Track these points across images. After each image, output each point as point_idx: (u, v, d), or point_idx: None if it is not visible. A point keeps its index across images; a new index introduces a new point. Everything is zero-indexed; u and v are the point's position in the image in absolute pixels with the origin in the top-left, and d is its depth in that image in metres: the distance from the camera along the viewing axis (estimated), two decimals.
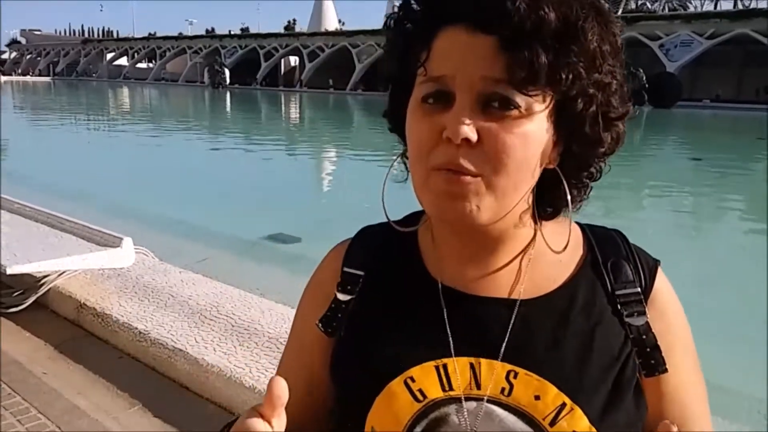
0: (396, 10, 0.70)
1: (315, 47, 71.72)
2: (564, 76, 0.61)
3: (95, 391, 3.06)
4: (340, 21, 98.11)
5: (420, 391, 0.67)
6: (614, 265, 0.73)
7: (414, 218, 0.81)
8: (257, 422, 0.56)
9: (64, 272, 4.01)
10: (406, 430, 0.66)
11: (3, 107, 38.23)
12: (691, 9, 67.51)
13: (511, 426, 0.65)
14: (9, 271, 3.52)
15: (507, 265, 0.73)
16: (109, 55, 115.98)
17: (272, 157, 16.18)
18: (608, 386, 0.67)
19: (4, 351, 3.46)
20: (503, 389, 0.67)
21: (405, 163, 0.75)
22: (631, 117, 0.69)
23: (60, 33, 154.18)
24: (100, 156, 16.30)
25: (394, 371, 0.69)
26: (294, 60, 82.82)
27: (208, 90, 66.15)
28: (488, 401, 0.66)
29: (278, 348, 3.04)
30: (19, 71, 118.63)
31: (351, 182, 12.16)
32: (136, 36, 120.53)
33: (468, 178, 0.62)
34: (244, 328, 3.28)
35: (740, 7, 63.12)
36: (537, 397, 0.66)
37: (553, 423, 0.64)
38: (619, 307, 0.71)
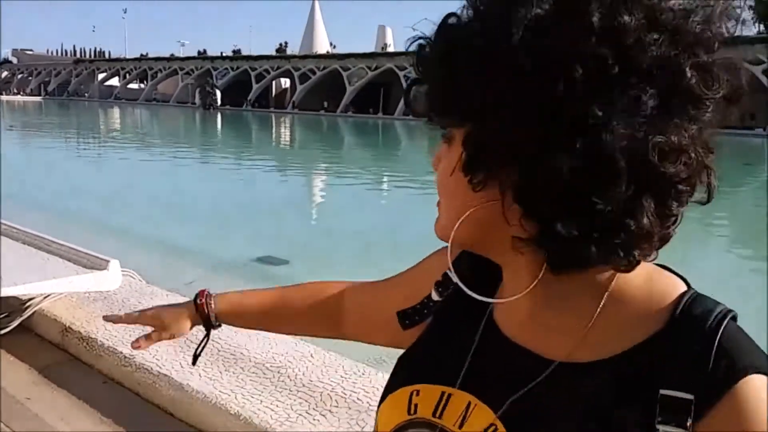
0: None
1: (306, 69, 72.19)
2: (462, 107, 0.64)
3: (79, 417, 3.01)
4: (331, 44, 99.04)
5: (416, 405, 0.70)
6: (676, 359, 0.58)
7: None
8: None
9: (49, 295, 3.97)
10: None
11: None
12: None
13: None
14: None
15: (571, 314, 0.64)
16: (101, 76, 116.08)
17: (262, 179, 16.21)
18: None
19: None
20: None
21: None
22: None
23: (52, 53, 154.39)
24: (89, 176, 16.26)
25: (411, 380, 0.73)
26: (285, 82, 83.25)
27: (199, 111, 66.26)
28: None
29: (264, 374, 3.02)
30: (10, 91, 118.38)
31: (340, 204, 12.19)
32: (128, 57, 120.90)
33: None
34: (230, 353, 3.25)
35: None
36: None
37: None
38: (657, 409, 0.57)
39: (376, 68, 63.89)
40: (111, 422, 2.95)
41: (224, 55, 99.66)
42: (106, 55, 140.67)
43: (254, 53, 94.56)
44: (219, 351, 3.28)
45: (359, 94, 63.64)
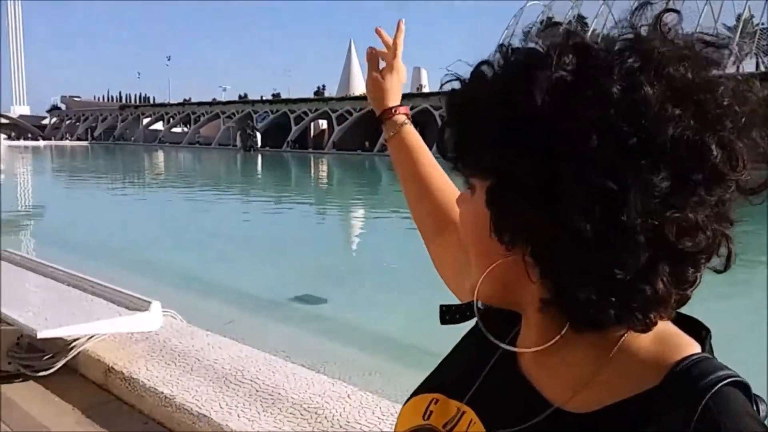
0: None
1: (343, 111, 73.51)
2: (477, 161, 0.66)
3: None
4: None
5: (430, 413, 0.72)
6: (660, 417, 0.57)
7: None
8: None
9: (93, 336, 4.06)
10: None
11: (41, 171, 39.65)
12: None
13: None
14: (40, 335, 3.58)
15: (579, 365, 0.64)
16: (146, 120, 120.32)
17: (300, 218, 16.39)
18: None
19: (33, 415, 3.48)
20: None
21: None
22: None
23: (99, 99, 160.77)
24: (134, 218, 16.69)
25: (435, 387, 0.75)
26: (323, 123, 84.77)
27: (240, 153, 67.84)
28: None
29: (302, 414, 3.01)
30: (59, 136, 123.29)
31: (378, 242, 12.21)
32: (171, 102, 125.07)
33: None
34: (268, 393, 3.26)
35: None
36: None
37: None
38: None
39: (411, 108, 64.27)
40: None
41: (264, 98, 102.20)
42: (151, 101, 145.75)
43: (293, 96, 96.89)
44: (257, 391, 3.30)
45: None
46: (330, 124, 77.97)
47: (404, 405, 0.77)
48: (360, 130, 69.29)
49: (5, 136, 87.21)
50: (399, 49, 1.13)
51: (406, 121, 1.12)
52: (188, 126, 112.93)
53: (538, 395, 0.65)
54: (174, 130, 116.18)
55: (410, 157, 1.09)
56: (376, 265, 8.85)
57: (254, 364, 3.67)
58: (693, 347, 0.62)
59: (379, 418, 2.94)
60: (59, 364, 4.01)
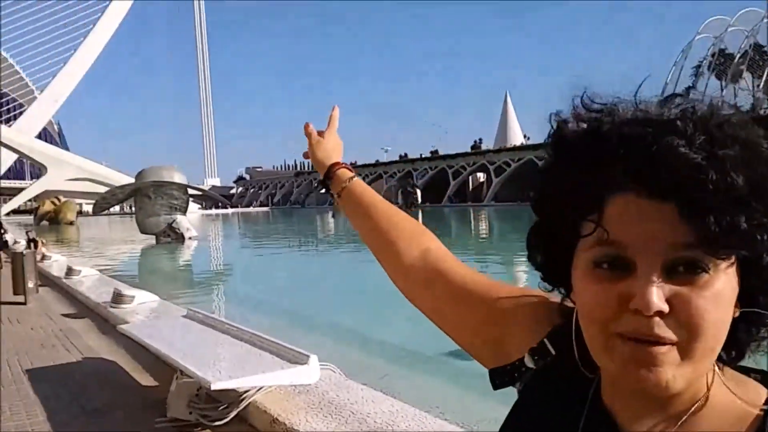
0: (553, 154, 0.70)
1: (501, 162, 73.21)
2: (760, 237, 0.59)
3: None
4: (525, 136, 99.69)
5: None
6: None
7: None
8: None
9: (261, 388, 4.38)
10: None
11: (229, 235, 43.85)
12: None
13: None
14: (214, 387, 3.94)
15: (665, 409, 0.66)
16: (317, 185, 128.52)
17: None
18: None
19: None
20: None
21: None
22: None
23: (277, 168, 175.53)
24: (301, 275, 17.78)
25: None
26: (481, 176, 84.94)
27: (402, 210, 69.85)
28: None
29: None
30: (244, 203, 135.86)
31: None
32: None
33: (662, 348, 0.59)
34: None
35: None
36: None
37: None
38: None
39: None
40: None
41: (423, 156, 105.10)
42: None
43: (451, 152, 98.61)
44: None
45: None
46: (488, 176, 77.98)
47: None
48: (519, 181, 68.38)
49: (199, 206, 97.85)
50: (334, 123, 1.31)
51: (353, 175, 1.18)
52: None
53: None
54: None
55: (364, 209, 1.12)
56: None
57: (404, 419, 3.72)
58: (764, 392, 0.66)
59: None
60: (232, 414, 4.36)
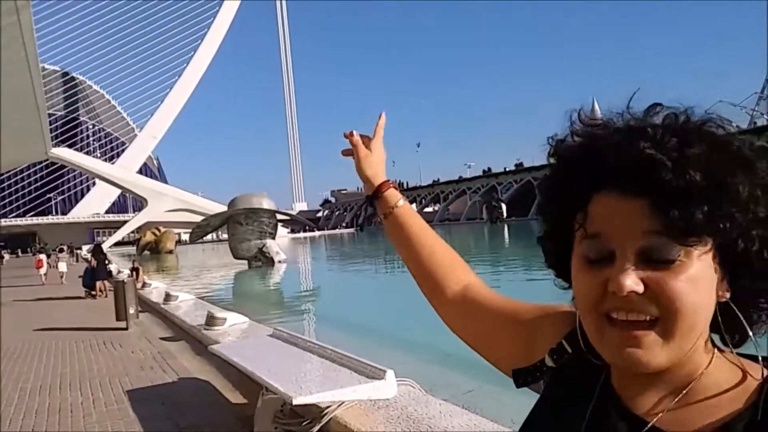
0: (551, 167, 0.81)
1: None
2: (721, 226, 0.66)
3: None
4: None
5: None
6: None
7: None
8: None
9: (342, 403, 4.45)
10: None
11: (316, 257, 44.85)
12: None
13: None
14: (295, 402, 4.04)
15: (665, 387, 0.73)
16: None
17: (547, 286, 15.95)
18: None
19: None
20: None
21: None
22: None
23: (361, 189, 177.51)
24: (387, 293, 17.87)
25: None
26: None
27: (486, 225, 69.16)
28: None
29: None
30: (330, 226, 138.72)
31: None
32: (422, 184, 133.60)
33: (644, 331, 0.67)
34: None
35: None
36: None
37: None
38: None
39: None
40: None
41: (507, 170, 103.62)
42: (405, 185, 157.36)
43: (536, 164, 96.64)
44: None
45: None
46: None
47: None
48: None
49: (288, 230, 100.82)
50: (380, 133, 1.26)
51: (400, 198, 1.20)
52: (438, 204, 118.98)
53: (633, 416, 0.73)
54: (426, 209, 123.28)
55: (407, 236, 1.16)
56: None
57: None
58: (762, 369, 0.72)
59: None
60: (315, 429, 4.45)
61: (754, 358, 0.73)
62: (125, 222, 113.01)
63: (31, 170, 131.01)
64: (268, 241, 32.61)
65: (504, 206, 78.44)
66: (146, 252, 67.46)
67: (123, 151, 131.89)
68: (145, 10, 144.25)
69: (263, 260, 31.95)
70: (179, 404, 6.04)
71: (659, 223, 0.66)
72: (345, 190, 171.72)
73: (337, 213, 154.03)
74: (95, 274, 19.24)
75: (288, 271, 30.00)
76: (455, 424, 3.86)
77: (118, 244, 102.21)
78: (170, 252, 66.98)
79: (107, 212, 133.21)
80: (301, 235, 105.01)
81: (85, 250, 55.15)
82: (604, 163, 0.70)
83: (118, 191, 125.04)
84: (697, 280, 0.67)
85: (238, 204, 34.03)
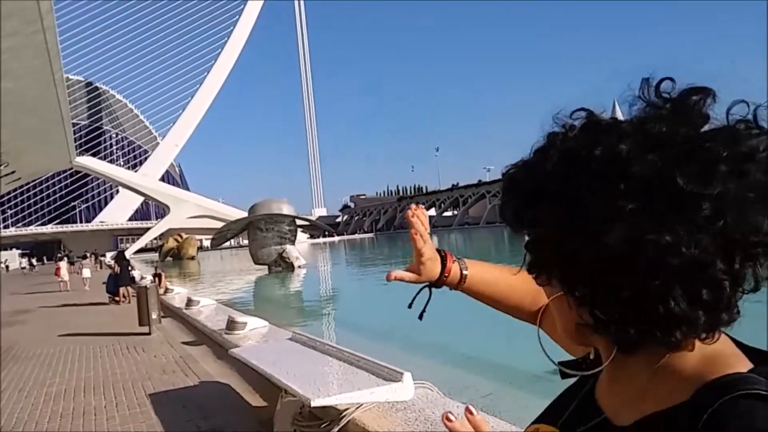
0: None
1: None
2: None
3: None
4: None
5: None
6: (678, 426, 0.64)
7: None
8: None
9: (361, 405, 4.47)
10: None
11: (336, 262, 44.96)
12: None
13: None
14: (313, 404, 4.07)
15: (632, 388, 0.73)
16: None
17: None
18: None
19: None
20: None
21: None
22: None
23: (380, 194, 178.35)
24: (408, 299, 17.83)
25: (540, 420, 0.87)
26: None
27: (506, 229, 68.51)
28: None
29: None
30: (350, 231, 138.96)
31: None
32: (441, 189, 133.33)
33: None
34: None
35: None
36: None
37: None
38: None
39: None
40: None
41: None
42: (424, 190, 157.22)
43: None
44: None
45: None
46: None
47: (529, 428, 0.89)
48: None
49: (308, 236, 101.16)
50: (425, 233, 1.20)
51: (465, 269, 1.20)
52: (457, 209, 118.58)
53: (596, 406, 0.77)
54: (445, 214, 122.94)
55: (483, 291, 1.22)
56: None
57: None
58: (742, 366, 0.66)
59: None
60: (333, 431, 4.48)
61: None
62: (148, 229, 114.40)
63: (56, 179, 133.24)
64: (288, 247, 32.80)
65: None
66: (169, 258, 68.21)
67: (145, 159, 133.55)
68: (166, 19, 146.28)
69: (283, 265, 32.14)
70: (200, 407, 6.11)
71: None
72: (364, 195, 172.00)
73: (356, 218, 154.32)
74: (118, 280, 19.51)
75: (307, 276, 30.11)
76: None
77: (141, 250, 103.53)
78: (192, 258, 67.62)
79: (130, 219, 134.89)
80: (321, 240, 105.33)
81: (108, 257, 55.90)
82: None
83: (141, 199, 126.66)
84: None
85: (258, 210, 34.29)
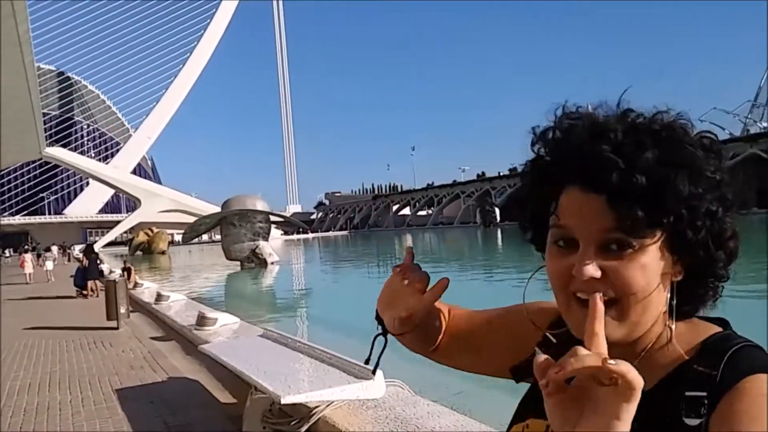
0: (528, 167, 0.89)
1: None
2: (665, 221, 0.75)
3: None
4: None
5: None
6: (698, 371, 0.78)
7: None
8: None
9: (332, 402, 4.46)
10: None
11: (309, 259, 44.87)
12: None
13: None
14: (283, 401, 4.04)
15: (627, 356, 0.76)
16: (395, 207, 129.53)
17: (540, 291, 15.99)
18: None
19: None
20: None
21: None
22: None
23: (355, 192, 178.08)
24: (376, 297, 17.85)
25: (522, 417, 0.92)
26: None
27: (480, 229, 69.26)
28: None
29: None
30: (324, 228, 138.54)
31: None
32: (416, 188, 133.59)
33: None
34: None
35: None
36: None
37: None
38: (682, 406, 0.76)
39: None
40: None
41: (501, 174, 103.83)
42: (399, 189, 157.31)
43: None
44: None
45: None
46: None
47: (514, 425, 0.93)
48: None
49: (282, 232, 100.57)
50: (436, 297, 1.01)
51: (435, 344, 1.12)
52: (432, 208, 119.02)
53: None
54: (419, 213, 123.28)
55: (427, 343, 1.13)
56: None
57: None
58: (718, 328, 0.84)
59: None
60: (303, 429, 4.45)
61: (724, 323, 0.85)
62: (118, 222, 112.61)
63: (25, 169, 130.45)
64: (261, 243, 32.56)
65: (497, 210, 78.56)
66: (138, 252, 67.22)
67: (117, 151, 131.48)
68: (141, 10, 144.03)
69: (256, 261, 31.90)
70: (168, 403, 6.03)
71: (613, 219, 0.75)
72: (339, 192, 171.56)
73: (331, 215, 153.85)
74: (87, 273, 19.17)
75: (280, 273, 29.96)
76: (443, 425, 3.87)
77: (110, 244, 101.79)
78: (163, 253, 66.77)
79: (100, 212, 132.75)
80: (295, 237, 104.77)
81: (77, 250, 54.90)
82: (571, 161, 0.79)
83: (112, 191, 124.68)
84: (647, 266, 0.76)
85: (231, 205, 33.97)
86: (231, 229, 32.69)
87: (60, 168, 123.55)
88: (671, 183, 0.75)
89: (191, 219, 47.20)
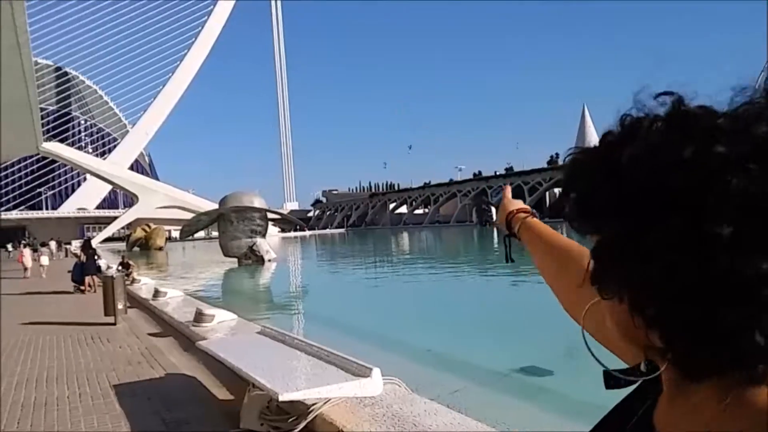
0: None
1: None
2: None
3: None
4: None
5: None
6: None
7: None
8: None
9: (329, 400, 4.48)
10: None
11: (306, 256, 44.87)
12: None
13: None
14: (281, 398, 4.07)
15: (693, 415, 0.64)
16: (392, 205, 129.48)
17: (535, 289, 16.04)
18: None
19: None
20: None
21: None
22: None
23: (352, 190, 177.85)
24: (376, 294, 17.90)
25: None
26: (559, 191, 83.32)
27: (476, 228, 69.11)
28: None
29: None
30: (321, 225, 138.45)
31: None
32: (413, 186, 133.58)
33: None
34: None
35: None
36: None
37: None
38: None
39: None
40: None
41: (498, 173, 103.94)
42: (396, 187, 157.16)
43: (526, 168, 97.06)
44: None
45: None
46: None
47: None
48: None
49: (279, 229, 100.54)
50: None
51: (527, 215, 1.39)
52: (428, 207, 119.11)
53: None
54: (416, 212, 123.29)
55: (539, 242, 1.28)
56: None
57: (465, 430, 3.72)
58: None
59: None
60: (300, 426, 4.48)
61: None
62: (115, 218, 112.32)
63: (22, 164, 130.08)
64: (259, 240, 32.57)
65: (494, 209, 78.56)
66: (136, 248, 67.08)
67: (115, 146, 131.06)
68: (140, 6, 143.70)
69: (253, 258, 31.91)
70: (166, 399, 6.05)
71: None
72: (336, 190, 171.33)
73: (328, 213, 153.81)
74: (84, 269, 19.16)
75: (277, 270, 29.96)
76: (439, 423, 3.90)
77: (108, 240, 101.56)
78: (160, 249, 66.64)
79: (98, 208, 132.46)
80: (292, 234, 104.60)
81: (74, 245, 54.79)
82: None
83: (109, 187, 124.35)
84: None
85: (229, 202, 33.95)
86: (229, 226, 32.69)
87: (57, 163, 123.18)
88: None
89: (189, 215, 47.24)
